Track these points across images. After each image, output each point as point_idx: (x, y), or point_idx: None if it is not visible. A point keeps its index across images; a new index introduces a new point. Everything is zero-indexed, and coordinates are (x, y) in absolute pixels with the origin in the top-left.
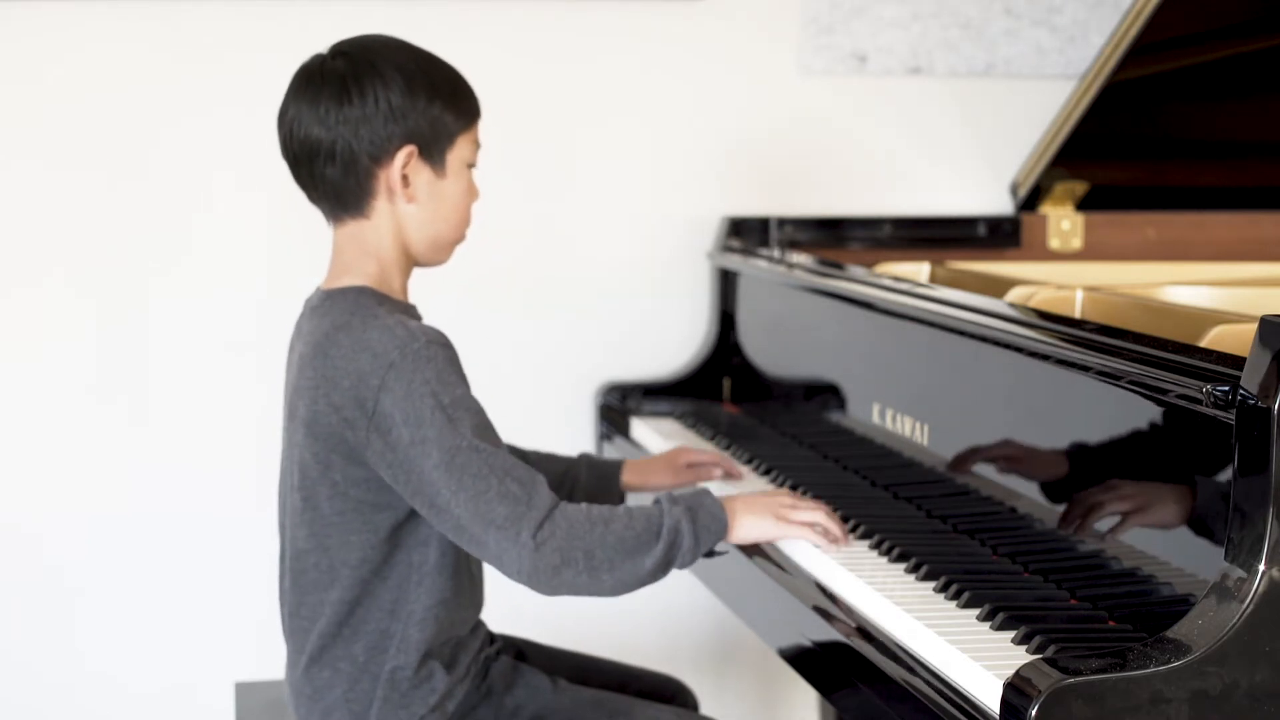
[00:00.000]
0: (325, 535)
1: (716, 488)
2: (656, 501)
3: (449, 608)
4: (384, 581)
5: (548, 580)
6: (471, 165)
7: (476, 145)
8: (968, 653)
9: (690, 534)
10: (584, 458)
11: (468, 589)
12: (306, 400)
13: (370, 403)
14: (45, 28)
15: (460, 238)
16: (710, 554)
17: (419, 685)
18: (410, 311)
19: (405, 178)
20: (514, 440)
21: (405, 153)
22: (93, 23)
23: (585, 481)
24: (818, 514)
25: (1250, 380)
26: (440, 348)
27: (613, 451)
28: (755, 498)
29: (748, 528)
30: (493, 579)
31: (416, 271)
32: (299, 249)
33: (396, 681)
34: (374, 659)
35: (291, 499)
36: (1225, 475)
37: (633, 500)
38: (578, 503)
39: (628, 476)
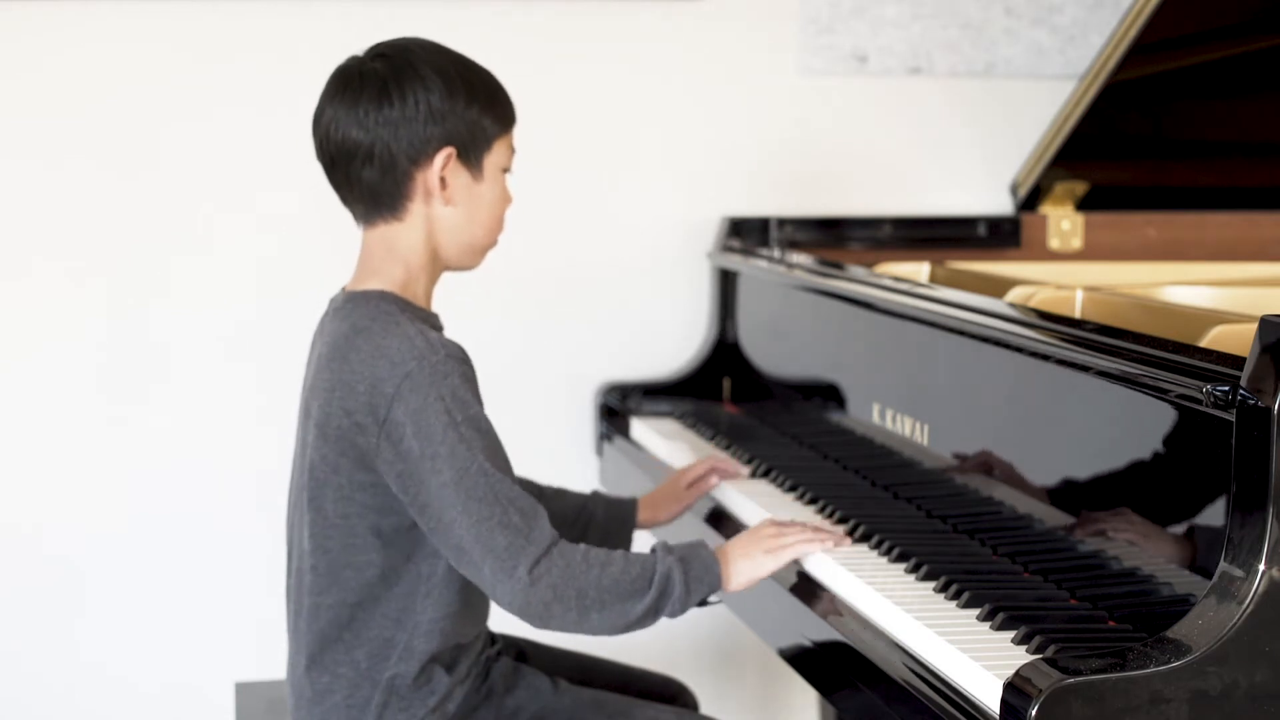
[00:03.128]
0: (327, 538)
1: (721, 496)
2: (653, 550)
3: (455, 621)
4: (390, 590)
5: (537, 615)
6: (506, 170)
7: (512, 150)
8: (968, 653)
9: (681, 583)
10: (598, 496)
11: (475, 603)
12: (321, 402)
13: (383, 410)
14: (48, 25)
15: (493, 243)
16: (703, 603)
17: (419, 688)
18: (431, 320)
19: (443, 180)
20: (515, 441)
21: (444, 154)
22: (95, 21)
23: (601, 520)
24: (805, 532)
25: (1250, 380)
26: (458, 363)
27: (612, 451)
28: (744, 540)
29: (743, 572)
30: None
31: None
32: (304, 250)
33: (396, 686)
34: (375, 666)
35: (299, 499)
36: (1225, 475)
37: (646, 536)
38: (589, 541)
39: (642, 515)
